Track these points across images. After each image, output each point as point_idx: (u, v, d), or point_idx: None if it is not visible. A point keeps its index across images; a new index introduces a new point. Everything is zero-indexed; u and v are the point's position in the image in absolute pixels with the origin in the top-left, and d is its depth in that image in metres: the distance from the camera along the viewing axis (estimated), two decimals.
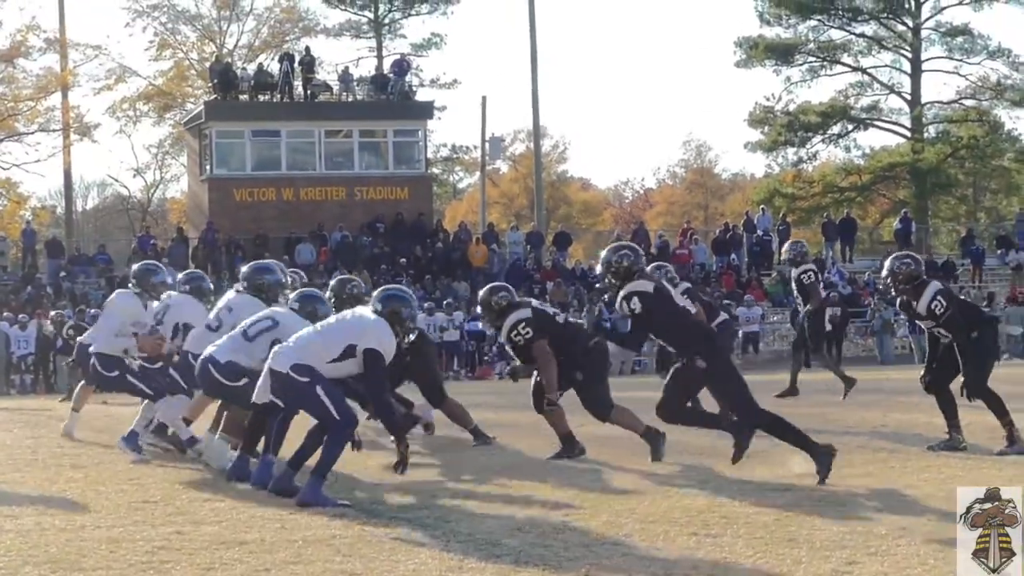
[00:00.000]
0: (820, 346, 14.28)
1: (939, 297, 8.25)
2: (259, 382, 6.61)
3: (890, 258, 9.08)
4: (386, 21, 47.52)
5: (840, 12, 44.75)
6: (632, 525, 4.85)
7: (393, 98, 36.18)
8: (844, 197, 44.25)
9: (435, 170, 47.01)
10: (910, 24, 44.66)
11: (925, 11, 44.87)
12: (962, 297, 12.84)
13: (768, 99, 46.09)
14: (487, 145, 43.76)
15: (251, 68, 38.35)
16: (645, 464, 7.40)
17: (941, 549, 3.95)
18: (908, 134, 45.69)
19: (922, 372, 8.95)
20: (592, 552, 4.22)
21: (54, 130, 42.05)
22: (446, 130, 67.46)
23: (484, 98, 42.04)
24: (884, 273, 8.99)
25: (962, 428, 8.34)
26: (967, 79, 45.56)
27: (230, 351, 7.39)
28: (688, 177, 61.20)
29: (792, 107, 46.13)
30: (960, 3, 44.64)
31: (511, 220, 42.40)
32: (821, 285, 13.62)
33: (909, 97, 45.31)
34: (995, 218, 45.53)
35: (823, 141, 46.78)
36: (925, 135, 45.20)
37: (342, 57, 47.86)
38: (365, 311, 6.76)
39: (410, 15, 48.44)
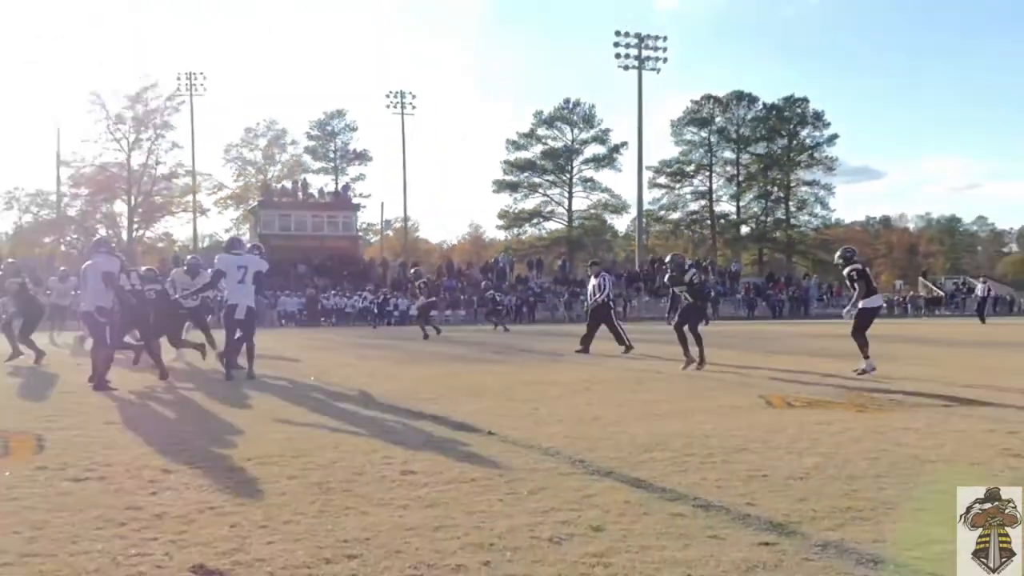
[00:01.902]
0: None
1: (698, 273, 13.37)
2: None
3: (669, 255, 13.36)
4: (341, 165, 76.45)
5: None
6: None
7: (342, 197, 62.87)
8: None
9: (362, 233, 71.95)
10: None
11: None
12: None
13: None
14: (384, 223, 75.63)
15: (286, 184, 65.99)
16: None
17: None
18: None
19: (668, 315, 13.54)
20: None
21: (184, 211, 72.35)
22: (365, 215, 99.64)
23: (382, 203, 75.64)
24: (667, 261, 13.39)
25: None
26: None
27: None
28: None
29: None
30: None
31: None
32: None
33: None
34: None
35: None
36: None
37: (318, 181, 71.30)
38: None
39: (350, 165, 77.48)
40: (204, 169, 73.78)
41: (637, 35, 65.62)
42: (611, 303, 17.29)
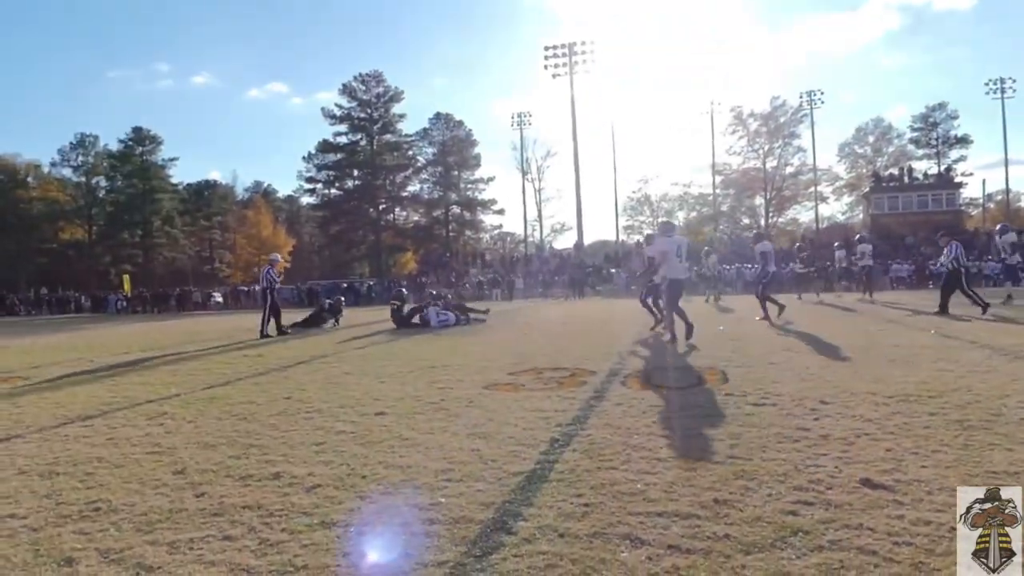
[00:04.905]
0: None
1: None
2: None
3: None
4: (943, 150, 68.98)
5: None
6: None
7: (944, 178, 63.66)
8: None
9: (964, 208, 68.50)
10: None
11: None
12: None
13: None
14: (986, 196, 68.75)
15: (893, 171, 60.61)
16: None
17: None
18: None
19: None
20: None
21: (807, 201, 72.27)
22: (968, 191, 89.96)
23: (983, 180, 64.67)
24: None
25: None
26: None
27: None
28: None
29: None
30: None
31: None
32: None
33: None
34: None
35: None
36: None
37: (921, 166, 63.20)
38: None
39: (951, 149, 74.31)
40: (823, 165, 70.92)
41: None
42: (961, 269, 14.58)
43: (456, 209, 76.93)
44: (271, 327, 16.16)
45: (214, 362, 10.58)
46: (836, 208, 76.82)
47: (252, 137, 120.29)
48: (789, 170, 70.87)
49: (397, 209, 78.05)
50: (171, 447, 4.88)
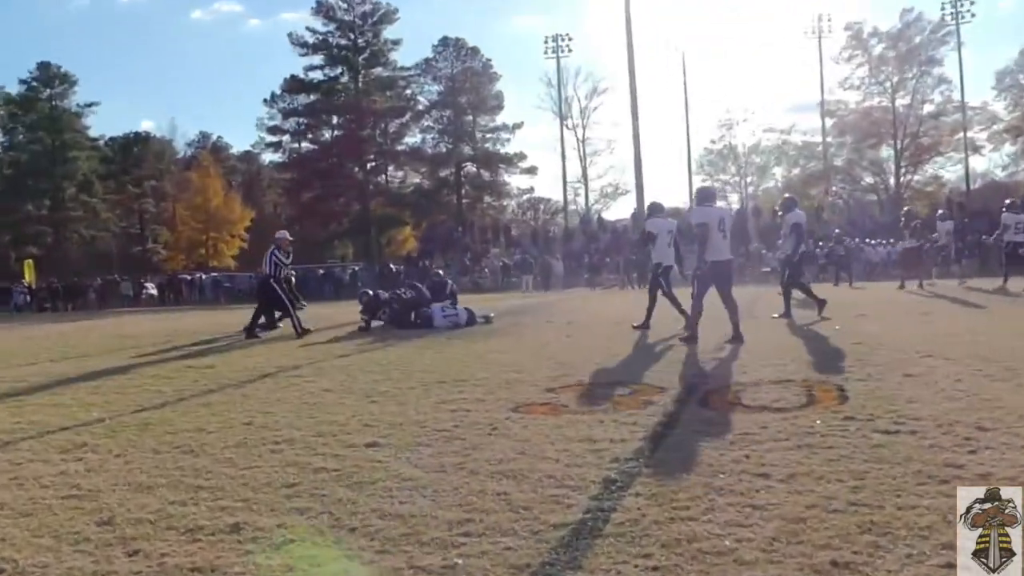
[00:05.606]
0: None
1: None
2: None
3: None
4: None
5: None
6: None
7: None
8: None
9: None
10: None
11: None
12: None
13: None
14: None
15: None
16: None
17: None
18: None
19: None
20: None
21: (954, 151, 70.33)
22: None
23: None
24: None
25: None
26: None
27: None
28: None
29: None
30: None
31: None
32: None
33: None
34: None
35: None
36: None
37: None
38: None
39: None
40: (975, 102, 69.88)
41: None
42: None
43: (471, 167, 77.22)
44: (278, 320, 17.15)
45: (149, 376, 10.67)
46: (995, 161, 75.57)
47: (196, 74, 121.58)
48: (928, 109, 70.17)
49: (391, 168, 78.54)
50: (94, 489, 4.92)
